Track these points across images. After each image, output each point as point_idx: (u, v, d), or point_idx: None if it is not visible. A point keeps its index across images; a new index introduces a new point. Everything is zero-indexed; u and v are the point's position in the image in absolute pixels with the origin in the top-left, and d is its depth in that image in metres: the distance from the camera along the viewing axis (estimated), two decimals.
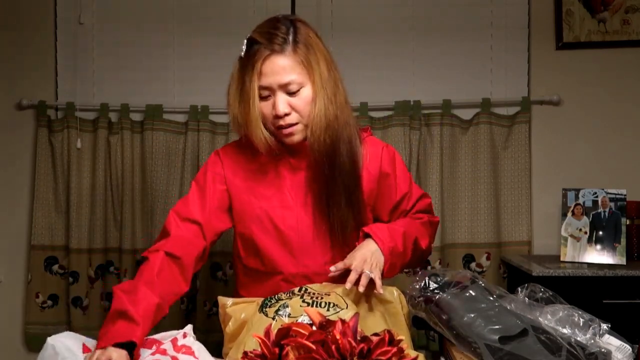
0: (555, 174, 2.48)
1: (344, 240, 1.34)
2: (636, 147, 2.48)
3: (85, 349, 1.08)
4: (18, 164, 2.57)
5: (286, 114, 1.27)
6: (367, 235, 1.31)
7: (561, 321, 1.07)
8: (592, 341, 1.03)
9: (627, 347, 1.05)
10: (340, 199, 1.31)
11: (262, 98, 1.28)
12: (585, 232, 2.21)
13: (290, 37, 1.27)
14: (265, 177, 1.36)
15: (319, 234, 1.34)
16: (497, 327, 1.04)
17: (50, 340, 1.07)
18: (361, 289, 1.18)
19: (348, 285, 1.18)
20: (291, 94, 1.27)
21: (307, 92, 1.27)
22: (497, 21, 2.51)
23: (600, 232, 2.19)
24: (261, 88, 1.27)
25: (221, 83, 2.50)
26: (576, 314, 1.07)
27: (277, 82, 1.25)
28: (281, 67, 1.25)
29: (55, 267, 2.50)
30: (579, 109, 2.49)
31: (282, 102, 1.26)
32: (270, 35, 1.27)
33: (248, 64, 1.27)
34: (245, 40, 1.30)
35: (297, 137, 1.31)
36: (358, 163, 1.34)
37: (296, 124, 1.29)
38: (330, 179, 1.30)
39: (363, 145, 1.39)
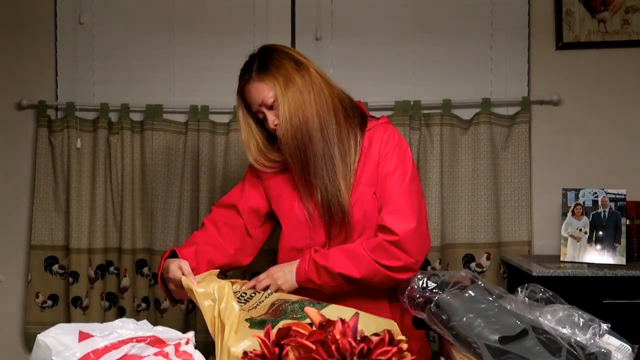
0: (555, 174, 2.48)
1: (336, 219, 1.50)
2: (636, 147, 2.48)
3: (82, 336, 1.05)
4: (18, 164, 2.57)
5: (276, 125, 1.49)
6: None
7: (561, 321, 1.07)
8: (592, 341, 1.03)
9: (627, 347, 1.05)
10: (322, 186, 1.48)
11: (263, 119, 1.53)
12: (585, 232, 2.21)
13: (255, 66, 1.51)
14: (283, 171, 1.59)
15: (316, 214, 1.53)
16: (496, 327, 1.04)
17: (41, 337, 1.02)
18: (259, 284, 1.48)
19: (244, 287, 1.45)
20: (272, 108, 1.49)
21: (279, 104, 1.49)
22: (497, 21, 2.51)
23: (600, 232, 2.19)
24: (254, 113, 1.54)
25: (221, 83, 2.53)
26: (576, 314, 1.07)
27: (257, 104, 1.51)
28: (253, 92, 1.50)
29: (55, 267, 2.50)
30: (579, 109, 2.49)
31: (270, 117, 1.50)
32: (242, 72, 1.55)
33: (238, 102, 1.56)
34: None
35: None
36: (335, 152, 1.48)
37: None
38: (307, 171, 1.49)
39: (367, 132, 1.54)
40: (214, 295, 1.21)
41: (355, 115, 1.54)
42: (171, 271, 1.41)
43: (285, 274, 1.50)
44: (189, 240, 1.59)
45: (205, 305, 1.20)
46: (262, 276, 1.50)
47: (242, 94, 1.54)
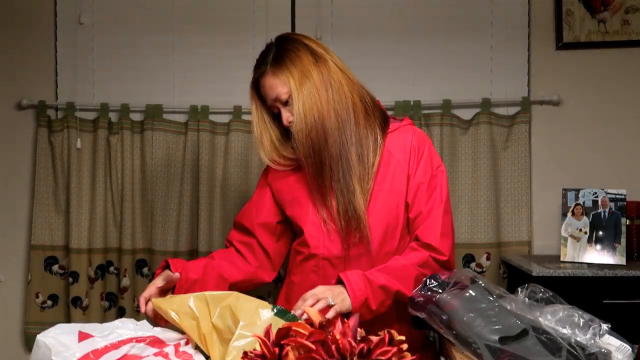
0: (555, 174, 2.48)
1: (352, 226, 1.39)
2: (636, 147, 2.48)
3: (82, 337, 1.05)
4: (18, 164, 2.57)
5: (290, 122, 1.40)
6: (341, 282, 1.30)
7: (561, 321, 1.07)
8: (592, 341, 1.03)
9: (627, 347, 1.05)
10: (337, 190, 1.39)
11: (278, 115, 1.45)
12: (585, 232, 2.21)
13: (270, 58, 1.42)
14: (297, 170, 1.50)
15: (331, 221, 1.42)
16: (497, 327, 1.04)
17: (40, 337, 1.02)
18: (313, 308, 1.18)
19: (297, 311, 1.16)
20: (286, 104, 1.41)
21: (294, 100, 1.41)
22: (497, 21, 2.51)
23: (600, 232, 2.19)
24: (270, 107, 1.45)
25: (221, 83, 2.54)
26: (576, 314, 1.07)
27: (271, 99, 1.42)
28: (268, 86, 1.42)
29: (55, 267, 2.50)
30: (579, 109, 2.49)
31: (284, 114, 1.41)
32: (257, 63, 1.46)
33: (252, 95, 1.47)
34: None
35: None
36: (351, 153, 1.39)
37: None
38: (321, 174, 1.40)
39: (389, 134, 1.45)
40: (194, 313, 1.13)
41: (376, 114, 1.45)
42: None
43: (337, 294, 1.25)
44: (209, 255, 1.55)
45: (187, 325, 1.14)
46: (311, 299, 1.23)
47: (256, 86, 1.45)
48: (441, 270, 1.36)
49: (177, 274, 1.37)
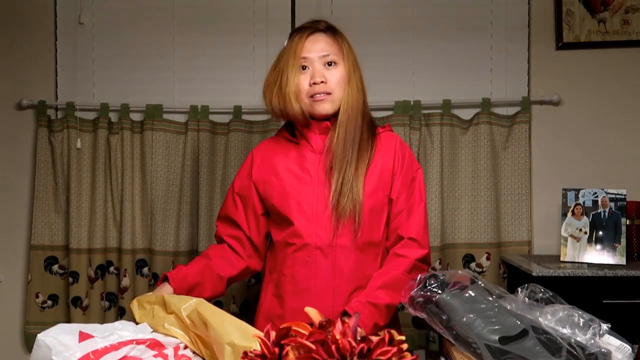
0: (555, 174, 2.48)
1: (346, 216, 1.45)
2: (636, 147, 2.48)
3: (82, 337, 1.05)
4: (18, 164, 2.57)
5: (322, 82, 1.46)
6: (346, 313, 1.38)
7: (561, 321, 1.07)
8: (592, 341, 1.03)
9: (627, 347, 1.05)
10: (340, 179, 1.46)
11: (302, 68, 1.48)
12: (585, 232, 2.21)
13: (326, 26, 1.52)
14: (288, 159, 1.55)
15: (323, 210, 1.48)
16: (496, 327, 1.04)
17: (41, 336, 1.03)
18: None
19: None
20: (329, 66, 1.47)
21: (341, 70, 1.49)
22: (497, 21, 2.51)
23: (600, 232, 2.19)
24: (303, 58, 1.47)
25: (221, 83, 2.54)
26: (576, 314, 1.07)
27: (319, 52, 1.47)
28: (324, 40, 1.48)
29: (55, 267, 2.50)
30: (579, 109, 2.49)
31: (319, 71, 1.47)
32: (315, 22, 1.52)
33: (293, 43, 1.49)
34: (290, 34, 1.54)
35: (327, 106, 1.49)
36: (360, 148, 1.49)
37: (329, 94, 1.47)
38: (344, 157, 1.46)
39: (377, 138, 1.56)
40: (184, 319, 1.16)
41: (371, 121, 1.58)
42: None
43: None
44: (203, 254, 1.60)
45: (180, 333, 1.18)
46: None
47: (306, 36, 1.49)
48: (425, 266, 1.49)
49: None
